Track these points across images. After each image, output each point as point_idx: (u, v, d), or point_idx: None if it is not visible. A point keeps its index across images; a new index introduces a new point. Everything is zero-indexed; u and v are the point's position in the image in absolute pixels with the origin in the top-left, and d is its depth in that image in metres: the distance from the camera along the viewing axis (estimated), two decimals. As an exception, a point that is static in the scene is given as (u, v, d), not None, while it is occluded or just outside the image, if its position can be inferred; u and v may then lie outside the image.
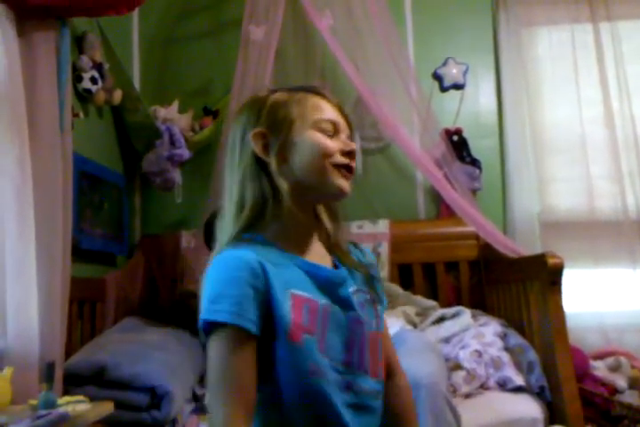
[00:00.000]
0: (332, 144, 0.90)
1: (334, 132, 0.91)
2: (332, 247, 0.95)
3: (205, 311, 0.80)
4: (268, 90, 0.95)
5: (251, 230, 0.88)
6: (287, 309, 0.81)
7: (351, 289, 0.91)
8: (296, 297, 0.83)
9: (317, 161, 0.88)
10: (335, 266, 0.93)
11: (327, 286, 0.88)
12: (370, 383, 0.88)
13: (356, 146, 0.92)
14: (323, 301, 0.86)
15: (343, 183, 0.89)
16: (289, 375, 0.81)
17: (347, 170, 0.90)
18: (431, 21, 2.80)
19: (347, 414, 0.83)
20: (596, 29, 2.70)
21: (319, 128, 0.90)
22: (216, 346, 0.80)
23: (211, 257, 0.87)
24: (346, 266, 0.93)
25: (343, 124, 0.93)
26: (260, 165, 0.88)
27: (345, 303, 0.88)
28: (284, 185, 0.87)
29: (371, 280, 0.96)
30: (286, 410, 0.82)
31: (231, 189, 0.90)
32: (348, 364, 0.86)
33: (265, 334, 0.81)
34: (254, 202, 0.87)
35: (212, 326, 0.80)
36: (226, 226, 0.89)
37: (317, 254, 0.93)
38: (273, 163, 0.88)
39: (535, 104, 2.72)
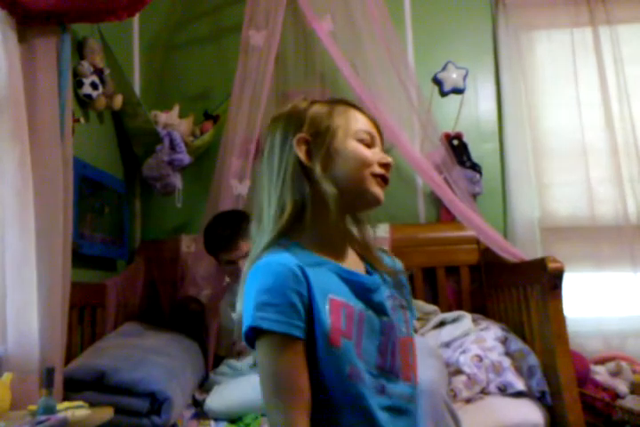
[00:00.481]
0: (371, 155, 0.95)
1: (371, 143, 0.96)
2: (364, 253, 0.98)
3: (251, 318, 0.82)
4: (307, 101, 0.99)
5: (287, 236, 0.90)
6: (326, 313, 0.84)
7: (385, 295, 0.94)
8: (334, 302, 0.86)
9: (358, 170, 0.93)
10: (368, 272, 0.97)
11: (362, 291, 0.91)
12: (402, 387, 0.91)
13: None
14: (358, 306, 0.89)
15: (379, 192, 0.94)
16: (330, 378, 0.84)
17: (382, 180, 0.95)
18: (431, 26, 2.81)
19: (382, 417, 0.86)
20: (596, 33, 2.71)
21: (359, 138, 0.95)
22: (268, 353, 0.83)
23: (250, 261, 0.90)
24: (378, 272, 0.97)
25: (377, 138, 0.98)
26: (302, 172, 0.92)
27: (379, 309, 0.92)
28: (330, 189, 0.90)
29: (400, 286, 0.99)
30: (329, 412, 0.85)
31: (270, 193, 0.92)
32: (381, 368, 0.89)
33: (308, 338, 0.84)
34: (294, 207, 0.90)
35: (259, 333, 0.83)
36: (264, 230, 0.92)
37: (351, 261, 0.96)
38: (317, 168, 0.91)
39: (535, 108, 2.72)
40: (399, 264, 1.05)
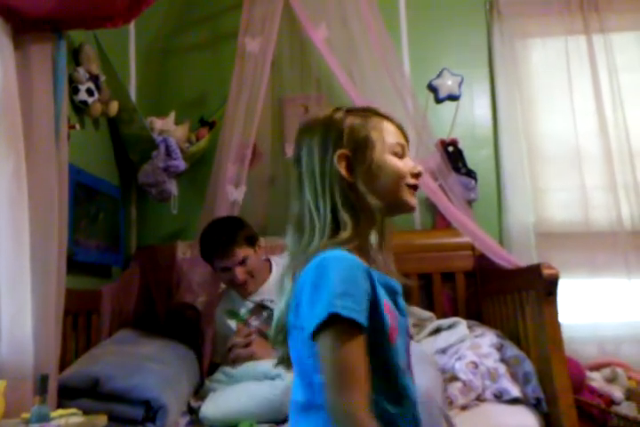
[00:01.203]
0: (405, 166, 1.02)
1: (403, 154, 1.03)
2: (383, 259, 1.02)
3: (331, 306, 0.84)
4: (339, 111, 1.03)
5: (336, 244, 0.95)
6: (384, 312, 0.90)
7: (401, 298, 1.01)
8: (385, 302, 0.92)
9: (395, 182, 1.00)
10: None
11: (392, 294, 0.97)
12: (414, 386, 0.97)
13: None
14: (394, 308, 0.95)
15: (414, 201, 1.02)
16: (387, 373, 0.90)
17: (414, 189, 1.03)
18: (426, 33, 2.83)
19: (414, 412, 0.94)
20: (590, 41, 2.72)
21: (393, 152, 1.01)
22: (341, 340, 0.84)
23: (305, 255, 0.93)
24: (394, 278, 1.01)
25: (406, 146, 1.05)
26: (347, 186, 0.97)
27: (402, 311, 0.98)
28: (375, 203, 0.96)
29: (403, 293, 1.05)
30: (377, 406, 0.87)
31: (318, 204, 0.96)
32: (407, 367, 0.96)
33: (371, 334, 0.88)
34: (352, 219, 0.94)
35: (331, 321, 0.84)
36: (314, 238, 0.95)
37: (381, 264, 1.01)
38: (360, 184, 0.97)
39: (530, 115, 2.73)
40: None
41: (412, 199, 1.02)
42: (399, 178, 1.00)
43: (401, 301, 0.99)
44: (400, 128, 1.05)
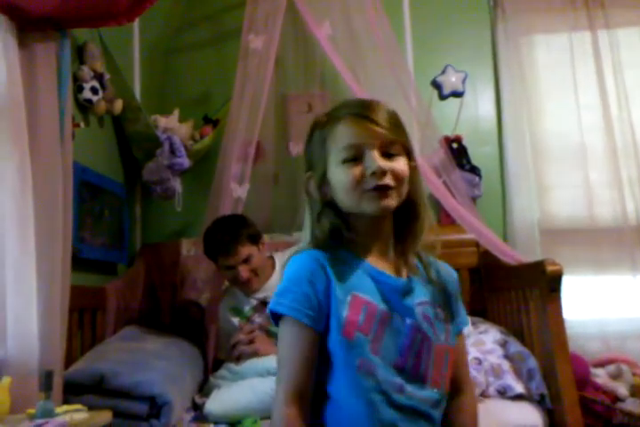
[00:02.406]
0: (354, 174, 0.95)
1: (358, 155, 0.95)
2: (404, 258, 1.00)
3: (273, 302, 0.95)
4: (317, 118, 1.04)
5: (338, 239, 0.99)
6: (345, 308, 0.91)
7: (416, 300, 0.97)
8: (356, 299, 0.92)
9: (350, 194, 0.96)
10: (407, 276, 1.00)
11: (390, 293, 0.95)
12: (427, 392, 0.93)
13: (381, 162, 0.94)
14: (382, 306, 0.94)
15: (380, 204, 0.94)
16: (339, 368, 0.91)
17: (381, 189, 0.93)
18: (430, 29, 2.82)
19: (388, 414, 0.89)
20: (595, 37, 2.71)
21: (343, 159, 0.96)
22: (281, 333, 0.95)
23: (291, 252, 1.00)
24: (416, 277, 1.00)
25: (368, 140, 0.94)
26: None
27: (406, 311, 0.95)
28: (326, 223, 0.98)
29: (447, 296, 1.01)
30: (335, 402, 0.91)
31: (308, 205, 1.03)
32: (401, 368, 0.92)
33: (326, 329, 0.92)
34: (324, 236, 0.98)
35: (280, 316, 0.94)
36: (306, 238, 1.02)
37: (391, 263, 0.99)
38: (329, 198, 1.00)
39: (534, 111, 2.73)
40: (453, 275, 1.08)
41: (374, 204, 0.94)
42: (350, 189, 0.95)
43: (405, 300, 0.96)
44: (362, 120, 0.95)
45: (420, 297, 0.98)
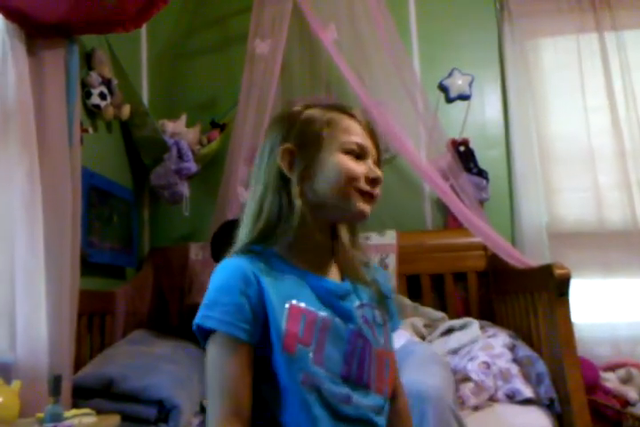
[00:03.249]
0: (358, 169, 0.90)
1: (361, 155, 0.92)
2: (343, 262, 0.95)
3: (199, 317, 0.84)
4: (302, 106, 0.96)
5: (264, 243, 0.90)
6: (283, 319, 0.83)
7: (356, 303, 0.91)
8: (293, 308, 0.85)
9: (341, 184, 0.89)
10: (342, 280, 0.94)
11: (328, 297, 0.89)
12: (372, 399, 0.88)
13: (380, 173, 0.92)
14: (322, 313, 0.86)
15: (364, 207, 0.90)
16: (283, 384, 0.82)
17: (369, 197, 0.91)
18: (436, 32, 2.82)
19: None
20: (602, 39, 2.70)
21: (346, 150, 0.91)
22: (211, 351, 0.84)
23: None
24: (354, 281, 0.94)
25: (371, 149, 0.93)
26: (283, 181, 0.90)
27: (346, 316, 0.89)
28: (298, 203, 0.88)
29: (382, 298, 0.96)
30: (281, 417, 0.83)
31: (251, 201, 0.92)
32: (346, 377, 0.86)
33: (263, 343, 0.83)
34: (269, 216, 0.89)
35: (207, 332, 0.84)
36: (241, 236, 0.92)
37: (328, 270, 0.93)
38: (294, 180, 0.89)
39: (541, 114, 2.72)
40: (384, 277, 1.02)
41: (363, 205, 0.90)
42: (347, 180, 0.89)
43: (344, 304, 0.90)
44: (368, 130, 0.94)
45: (357, 300, 0.92)
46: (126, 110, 2.40)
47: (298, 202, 0.88)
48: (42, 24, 1.76)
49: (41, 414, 1.32)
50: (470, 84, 2.75)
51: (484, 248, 2.44)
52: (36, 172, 1.66)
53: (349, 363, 0.87)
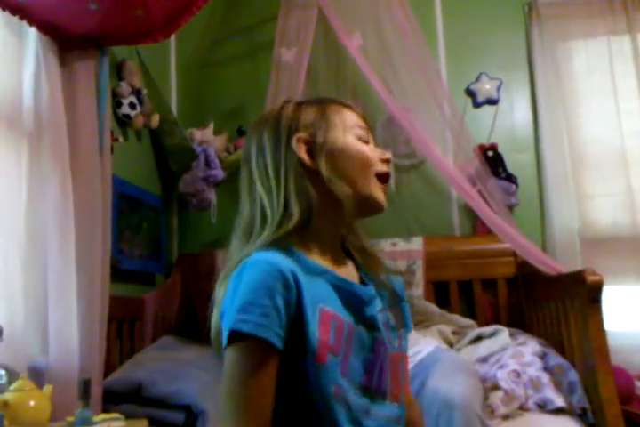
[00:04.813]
0: (372, 151, 0.89)
1: (368, 139, 0.91)
2: (363, 258, 0.91)
3: (232, 321, 0.74)
4: (292, 102, 0.92)
5: (282, 240, 0.82)
6: (315, 325, 0.76)
7: (377, 308, 0.87)
8: (324, 313, 0.78)
9: (362, 168, 0.87)
10: (363, 282, 0.89)
11: (354, 302, 0.84)
12: (388, 408, 0.84)
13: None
14: (348, 318, 0.82)
15: (382, 197, 0.88)
16: (311, 396, 0.76)
17: (385, 180, 0.89)
18: (463, 37, 2.80)
19: None
20: (634, 40, 2.65)
21: (357, 135, 0.89)
22: (239, 358, 0.75)
23: (238, 258, 0.82)
24: (373, 283, 0.90)
25: (371, 134, 0.93)
26: (305, 172, 0.85)
27: (370, 323, 0.84)
28: (344, 189, 0.84)
29: (398, 301, 0.93)
30: None
31: (263, 199, 0.85)
32: (366, 388, 0.81)
33: (289, 351, 0.76)
34: (302, 212, 0.82)
35: (236, 336, 0.74)
36: (259, 231, 0.84)
37: (347, 270, 0.89)
38: (323, 169, 0.84)
39: (572, 118, 2.67)
40: (398, 277, 0.99)
41: (381, 194, 0.88)
42: (366, 163, 0.87)
43: (369, 310, 0.85)
44: (363, 117, 0.93)
45: (378, 304, 0.88)
46: (155, 119, 2.44)
47: (344, 188, 0.84)
48: (74, 36, 1.81)
49: (71, 418, 1.35)
50: (498, 89, 2.72)
51: (514, 254, 2.40)
52: (68, 180, 1.71)
53: (371, 372, 0.82)
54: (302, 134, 0.87)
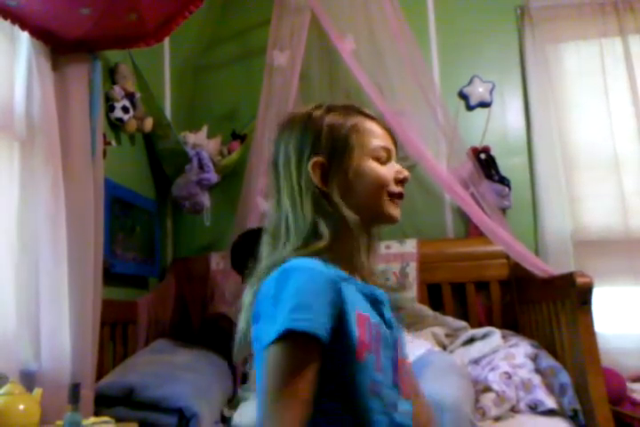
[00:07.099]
0: (388, 173, 0.93)
1: (388, 158, 0.94)
2: (367, 269, 0.95)
3: (287, 320, 0.77)
4: (320, 109, 0.94)
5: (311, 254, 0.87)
6: (354, 326, 0.82)
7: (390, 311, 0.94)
8: (360, 315, 0.84)
9: (375, 191, 0.91)
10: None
11: (377, 305, 0.90)
12: (405, 404, 0.89)
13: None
14: (376, 320, 0.88)
15: (396, 212, 0.93)
16: (348, 390, 0.81)
17: (399, 198, 0.94)
18: (456, 40, 2.81)
19: None
20: (626, 42, 2.66)
21: (375, 156, 0.93)
22: (290, 354, 0.77)
23: (269, 263, 0.87)
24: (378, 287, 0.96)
25: (393, 149, 0.96)
26: (321, 194, 0.90)
27: (389, 323, 0.91)
28: (351, 216, 0.89)
29: (396, 308, 0.98)
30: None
31: (294, 210, 0.89)
32: (395, 383, 0.88)
33: (331, 349, 0.79)
34: (330, 228, 0.87)
35: (286, 336, 0.77)
36: (284, 238, 0.89)
37: (357, 276, 0.94)
38: (335, 194, 0.89)
39: (565, 120, 2.68)
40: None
41: (395, 210, 0.93)
42: (380, 186, 0.91)
43: (387, 312, 0.92)
44: (387, 130, 0.97)
45: (388, 308, 0.95)
46: (149, 123, 2.45)
47: (350, 215, 0.89)
48: (66, 41, 1.81)
49: (61, 422, 1.35)
50: (491, 92, 2.73)
51: (507, 257, 2.41)
52: (60, 184, 1.71)
53: (396, 369, 0.88)
54: (319, 159, 0.91)
